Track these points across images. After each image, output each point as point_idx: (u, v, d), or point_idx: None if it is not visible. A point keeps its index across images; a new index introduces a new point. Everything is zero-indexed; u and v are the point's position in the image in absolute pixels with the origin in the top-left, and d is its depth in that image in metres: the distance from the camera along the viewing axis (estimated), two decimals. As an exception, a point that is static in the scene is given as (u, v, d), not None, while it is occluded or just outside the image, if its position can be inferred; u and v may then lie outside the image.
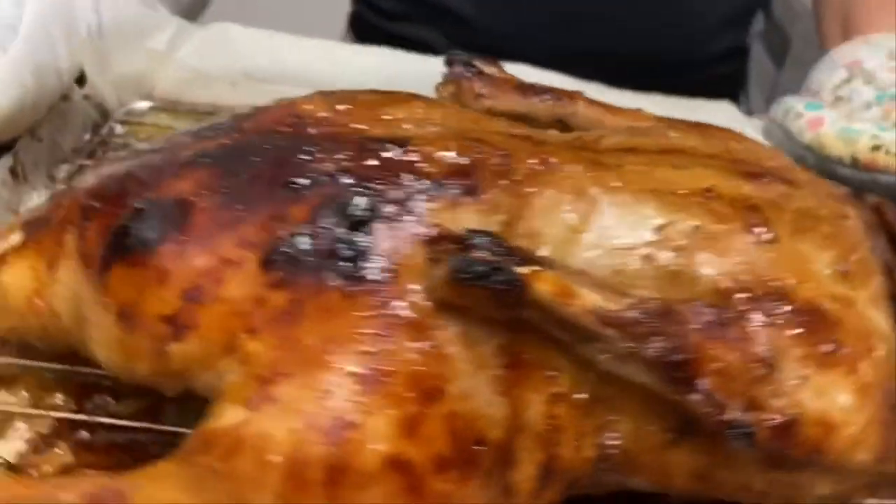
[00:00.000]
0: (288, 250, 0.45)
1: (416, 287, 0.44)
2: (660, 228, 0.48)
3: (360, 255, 0.44)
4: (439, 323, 0.44)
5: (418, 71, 0.89)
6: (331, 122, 0.51)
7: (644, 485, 0.50)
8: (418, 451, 0.42)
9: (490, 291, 0.42)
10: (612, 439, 0.48)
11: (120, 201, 0.50)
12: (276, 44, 0.88)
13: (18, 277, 0.53)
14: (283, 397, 0.43)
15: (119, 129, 0.83)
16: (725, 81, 1.22)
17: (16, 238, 0.54)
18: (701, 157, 0.54)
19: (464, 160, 0.48)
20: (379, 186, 0.47)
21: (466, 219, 0.46)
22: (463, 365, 0.44)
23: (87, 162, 0.79)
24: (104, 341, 0.49)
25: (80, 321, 0.51)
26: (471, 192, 0.47)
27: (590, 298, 0.43)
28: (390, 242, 0.45)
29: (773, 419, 0.44)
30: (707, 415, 0.44)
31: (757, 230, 0.49)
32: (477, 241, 0.43)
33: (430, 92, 0.60)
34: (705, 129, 0.61)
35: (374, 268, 0.44)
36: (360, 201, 0.46)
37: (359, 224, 0.45)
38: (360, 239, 0.45)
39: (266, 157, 0.49)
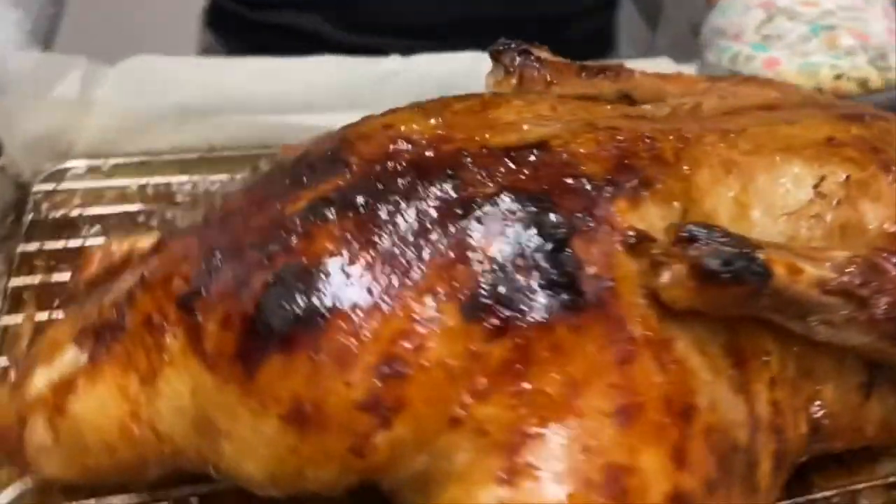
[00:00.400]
0: (491, 292, 0.38)
1: (640, 300, 0.39)
2: (816, 186, 0.47)
3: (573, 278, 0.39)
4: (673, 334, 0.40)
5: (372, 73, 0.82)
6: (445, 140, 0.45)
7: (841, 446, 0.49)
8: (692, 478, 0.38)
9: (739, 285, 0.38)
10: (820, 409, 0.46)
11: (234, 282, 0.40)
12: (206, 71, 0.77)
13: (100, 405, 0.42)
14: (541, 462, 0.36)
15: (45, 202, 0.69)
16: (597, 37, 1.24)
17: (73, 356, 0.43)
18: (792, 108, 0.53)
19: (615, 151, 0.44)
20: (555, 198, 0.41)
21: (652, 213, 0.42)
22: (704, 374, 0.40)
23: (26, 246, 0.65)
24: (256, 454, 0.40)
25: (206, 436, 0.41)
26: (645, 184, 0.43)
27: (812, 271, 0.41)
28: (596, 257, 0.40)
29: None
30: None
31: (893, 168, 0.49)
32: (699, 233, 0.39)
33: (402, 95, 0.53)
34: (752, 81, 0.60)
35: (592, 290, 0.39)
36: (551, 218, 0.40)
37: (560, 244, 0.39)
38: (567, 260, 0.39)
39: (404, 192, 0.41)
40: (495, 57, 0.56)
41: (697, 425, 0.39)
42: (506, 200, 0.41)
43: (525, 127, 0.46)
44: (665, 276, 0.39)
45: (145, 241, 0.48)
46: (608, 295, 0.39)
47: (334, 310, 0.38)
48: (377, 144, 0.45)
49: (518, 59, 0.55)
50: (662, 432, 0.38)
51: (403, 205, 0.41)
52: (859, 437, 0.49)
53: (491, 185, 0.41)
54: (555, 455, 0.37)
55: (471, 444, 0.38)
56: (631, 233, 0.41)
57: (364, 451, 0.38)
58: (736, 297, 0.39)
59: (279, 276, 0.39)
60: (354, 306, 0.38)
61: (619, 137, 0.45)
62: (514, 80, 0.55)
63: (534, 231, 0.40)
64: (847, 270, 0.42)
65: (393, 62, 0.81)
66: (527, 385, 0.38)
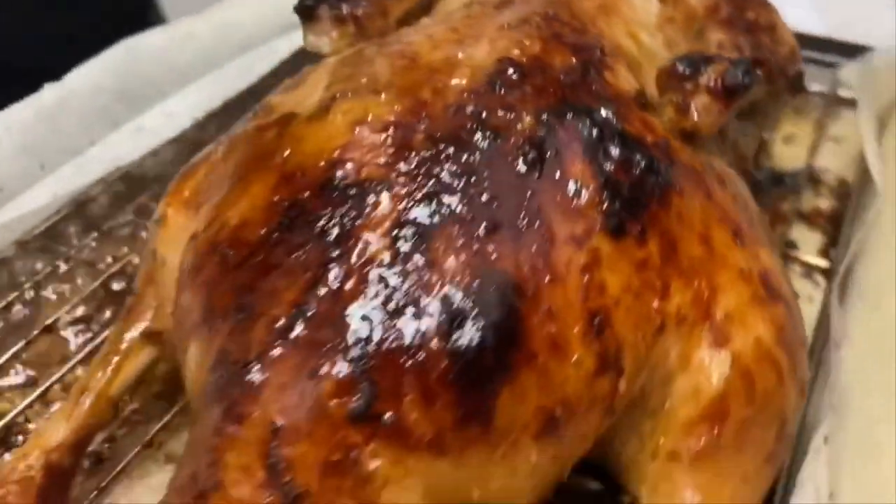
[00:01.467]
0: (614, 203, 0.39)
1: (681, 144, 0.43)
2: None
3: (649, 153, 0.41)
4: (705, 160, 0.45)
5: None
6: (423, 104, 0.41)
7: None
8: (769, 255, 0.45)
9: (753, 87, 0.44)
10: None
11: (399, 355, 0.34)
12: None
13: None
14: (730, 308, 0.40)
15: None
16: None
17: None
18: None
19: (559, 40, 0.45)
20: (575, 99, 0.41)
21: (623, 72, 0.45)
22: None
23: None
24: (521, 491, 0.37)
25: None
26: (604, 52, 0.45)
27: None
28: (640, 127, 0.42)
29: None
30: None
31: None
32: (696, 62, 0.43)
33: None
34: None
35: (664, 154, 0.41)
36: (596, 118, 0.40)
37: (619, 134, 0.41)
38: (635, 141, 0.41)
39: (462, 173, 0.38)
40: (309, 14, 0.50)
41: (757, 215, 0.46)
42: (549, 121, 0.40)
43: (465, 55, 0.44)
44: (695, 112, 0.43)
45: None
46: (671, 152, 0.42)
47: (522, 310, 0.35)
48: (377, 149, 0.39)
49: (335, 10, 0.49)
50: (755, 233, 0.44)
51: (475, 187, 0.37)
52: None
53: (524, 114, 0.40)
54: (731, 295, 0.40)
55: (676, 337, 0.39)
56: (644, 93, 0.44)
57: (614, 407, 0.38)
58: (745, 101, 0.45)
59: (453, 311, 0.34)
60: (533, 296, 0.36)
61: (543, 27, 0.45)
62: (350, 28, 0.50)
63: (595, 133, 0.40)
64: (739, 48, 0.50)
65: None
66: (683, 260, 0.40)
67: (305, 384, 0.34)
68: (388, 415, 0.34)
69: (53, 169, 0.64)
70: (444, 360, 0.34)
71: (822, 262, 0.62)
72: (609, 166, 0.39)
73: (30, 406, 0.52)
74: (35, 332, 0.57)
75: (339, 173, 0.38)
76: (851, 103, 0.77)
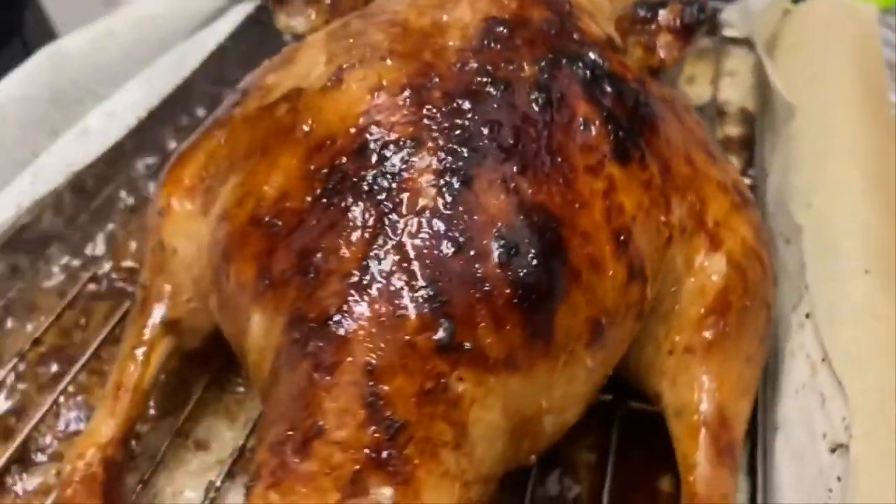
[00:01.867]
0: (619, 133, 0.43)
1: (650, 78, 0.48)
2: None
3: (636, 91, 0.46)
4: (668, 89, 0.50)
5: None
6: (430, 66, 0.44)
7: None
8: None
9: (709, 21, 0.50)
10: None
11: (467, 286, 0.38)
12: None
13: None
14: (718, 216, 0.46)
15: None
16: None
17: (375, 498, 0.35)
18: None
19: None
20: (563, 46, 0.46)
21: (590, 21, 0.50)
22: None
23: None
24: (578, 399, 0.42)
25: (524, 434, 0.40)
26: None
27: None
28: (621, 68, 0.47)
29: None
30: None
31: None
32: (656, 4, 0.49)
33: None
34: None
35: (643, 88, 0.46)
36: (586, 60, 0.45)
37: (607, 73, 0.45)
38: (622, 80, 0.45)
39: (484, 124, 0.42)
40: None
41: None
42: (547, 68, 0.44)
43: (450, 18, 0.47)
44: (661, 49, 0.48)
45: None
46: (648, 86, 0.47)
47: (564, 236, 0.39)
48: (400, 109, 0.42)
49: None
50: (718, 150, 0.50)
51: (498, 133, 0.41)
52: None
53: (524, 64, 0.44)
54: (716, 204, 0.46)
55: (680, 246, 0.45)
56: (612, 38, 0.48)
57: (643, 312, 0.43)
58: (700, 36, 0.50)
59: (506, 244, 0.38)
60: (570, 223, 0.40)
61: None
62: (325, 6, 0.52)
63: (588, 75, 0.44)
64: None
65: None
66: (676, 178, 0.45)
67: (390, 327, 0.37)
68: (467, 343, 0.37)
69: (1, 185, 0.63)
70: (507, 287, 0.38)
71: (747, 181, 0.70)
72: (607, 102, 0.44)
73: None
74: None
75: (371, 136, 0.41)
76: (738, 41, 0.86)
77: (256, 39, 0.82)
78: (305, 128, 0.43)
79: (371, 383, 0.36)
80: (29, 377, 0.55)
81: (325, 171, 0.41)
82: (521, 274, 0.38)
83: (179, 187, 0.49)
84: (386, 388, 0.36)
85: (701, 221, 0.46)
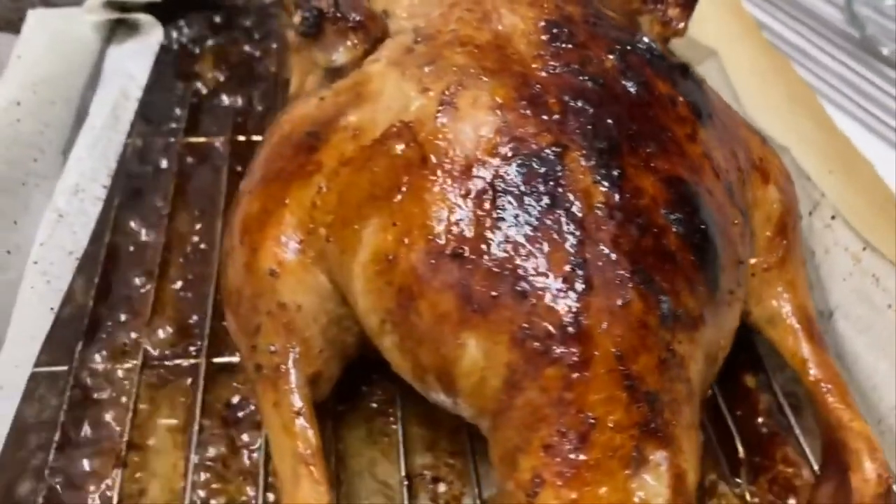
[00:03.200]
0: (689, 95, 0.50)
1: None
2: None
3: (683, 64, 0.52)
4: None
5: None
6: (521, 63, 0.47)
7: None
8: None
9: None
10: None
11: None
12: None
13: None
14: (758, 154, 0.55)
15: None
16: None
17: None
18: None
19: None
20: (625, 41, 0.51)
21: None
22: None
23: None
24: None
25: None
26: None
27: None
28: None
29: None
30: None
31: None
32: None
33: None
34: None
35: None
36: (641, 45, 0.51)
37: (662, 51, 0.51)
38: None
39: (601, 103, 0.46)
40: (317, 32, 0.51)
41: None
42: (621, 58, 0.49)
43: (505, 28, 0.50)
44: (674, 21, 0.55)
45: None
46: (672, 56, 0.54)
47: (704, 198, 0.46)
48: (528, 121, 0.45)
49: (350, 16, 0.51)
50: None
51: (618, 122, 0.46)
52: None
53: (602, 58, 0.48)
54: (753, 145, 0.55)
55: (748, 184, 0.53)
56: (629, 22, 0.54)
57: (745, 250, 0.51)
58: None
59: (676, 217, 0.44)
60: (701, 185, 0.46)
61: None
62: (361, 35, 0.52)
63: (650, 57, 0.50)
64: None
65: None
66: (728, 129, 0.53)
67: (622, 314, 0.41)
68: (679, 310, 0.42)
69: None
70: (689, 254, 0.44)
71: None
72: (675, 77, 0.50)
73: None
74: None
75: (518, 151, 0.44)
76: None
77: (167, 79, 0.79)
78: (438, 158, 0.45)
79: (622, 368, 0.40)
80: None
81: (489, 193, 0.43)
82: (696, 240, 0.44)
83: (283, 244, 0.49)
84: (635, 367, 0.41)
85: (752, 160, 0.54)
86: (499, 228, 0.42)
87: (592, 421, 0.40)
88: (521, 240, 0.42)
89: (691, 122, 0.49)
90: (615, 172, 0.44)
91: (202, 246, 0.65)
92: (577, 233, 0.42)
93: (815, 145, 0.62)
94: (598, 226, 0.42)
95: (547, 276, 0.41)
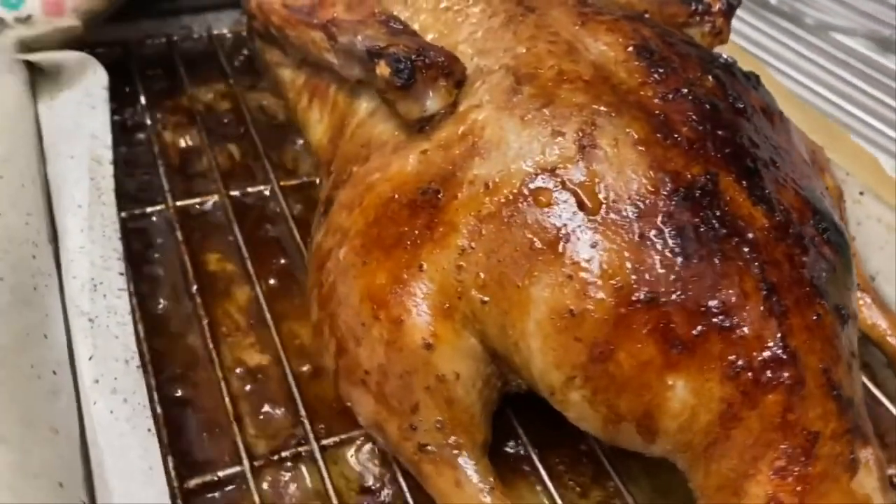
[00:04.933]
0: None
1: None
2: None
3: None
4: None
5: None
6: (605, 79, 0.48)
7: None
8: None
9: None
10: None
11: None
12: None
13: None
14: (811, 148, 0.59)
15: None
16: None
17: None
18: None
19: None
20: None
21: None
22: None
23: None
24: None
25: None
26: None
27: None
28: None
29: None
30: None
31: None
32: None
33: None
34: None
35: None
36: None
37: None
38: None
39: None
40: (410, 84, 0.48)
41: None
42: (717, 77, 0.50)
43: (595, 58, 0.50)
44: (720, 31, 0.57)
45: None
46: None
47: (827, 203, 0.48)
48: (674, 150, 0.45)
49: (437, 63, 0.49)
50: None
51: (751, 143, 0.47)
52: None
53: (704, 80, 0.49)
54: (806, 140, 0.59)
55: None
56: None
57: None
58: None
59: (825, 225, 0.46)
60: (818, 191, 0.49)
61: (596, 13, 0.53)
62: (451, 80, 0.49)
63: (737, 72, 0.52)
64: None
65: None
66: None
67: (817, 329, 0.43)
68: (847, 312, 0.45)
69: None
70: (840, 257, 0.46)
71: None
72: (754, 86, 0.52)
73: None
74: None
75: (678, 183, 0.44)
76: None
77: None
78: (598, 203, 0.44)
79: (829, 380, 0.42)
80: None
81: (663, 231, 0.43)
82: (841, 242, 0.47)
83: (431, 313, 0.46)
84: (836, 377, 0.43)
85: (809, 152, 0.58)
86: (686, 265, 0.43)
87: (814, 436, 0.42)
88: (710, 273, 0.43)
89: (788, 131, 0.52)
90: (767, 191, 0.45)
91: (250, 320, 0.60)
92: (759, 257, 0.43)
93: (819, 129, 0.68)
94: (770, 247, 0.44)
95: (745, 306, 0.42)
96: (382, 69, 0.49)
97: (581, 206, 0.44)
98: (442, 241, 0.46)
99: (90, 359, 0.51)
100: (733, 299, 0.42)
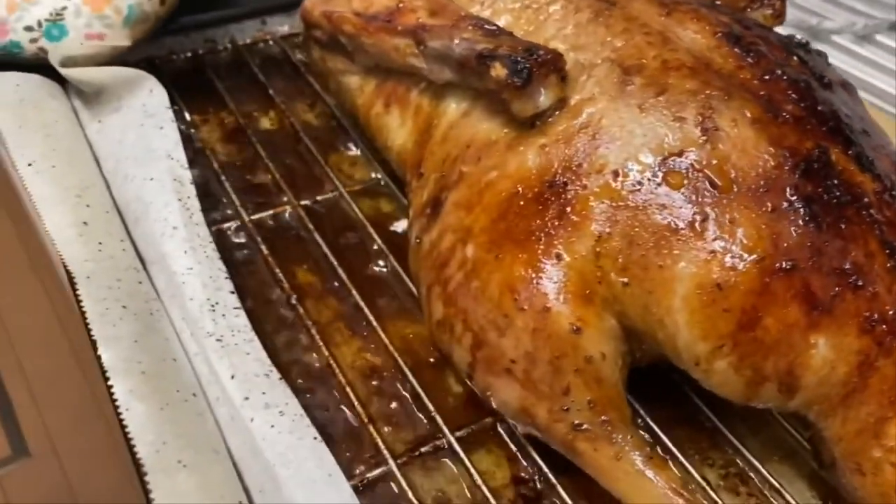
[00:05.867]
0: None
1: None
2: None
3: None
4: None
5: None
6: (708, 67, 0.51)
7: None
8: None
9: None
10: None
11: None
12: None
13: None
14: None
15: None
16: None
17: None
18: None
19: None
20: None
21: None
22: None
23: None
24: None
25: None
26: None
27: None
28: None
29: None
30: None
31: None
32: None
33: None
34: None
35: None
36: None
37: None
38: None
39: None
40: (527, 82, 0.50)
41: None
42: (797, 55, 0.54)
43: (687, 45, 0.53)
44: (781, 10, 0.61)
45: None
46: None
47: None
48: (789, 128, 0.48)
49: (544, 60, 0.51)
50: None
51: (847, 119, 0.51)
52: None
53: (789, 62, 0.53)
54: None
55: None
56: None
57: None
58: None
59: None
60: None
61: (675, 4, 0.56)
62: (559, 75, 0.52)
63: (815, 51, 0.56)
64: None
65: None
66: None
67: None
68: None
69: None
70: None
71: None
72: (824, 61, 0.56)
73: None
74: None
75: (798, 157, 0.47)
76: None
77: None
78: (730, 181, 0.47)
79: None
80: None
81: (792, 203, 0.46)
82: None
83: (576, 299, 0.48)
84: None
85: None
86: (817, 233, 0.46)
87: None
88: (839, 238, 0.46)
89: (859, 100, 0.56)
90: (870, 158, 0.49)
91: (352, 325, 0.61)
92: (877, 219, 0.47)
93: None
94: (884, 209, 0.48)
95: (873, 265, 0.46)
96: (498, 70, 0.51)
97: (713, 184, 0.47)
98: (577, 230, 0.49)
99: (232, 377, 0.51)
100: (862, 260, 0.46)
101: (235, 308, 0.56)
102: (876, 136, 0.52)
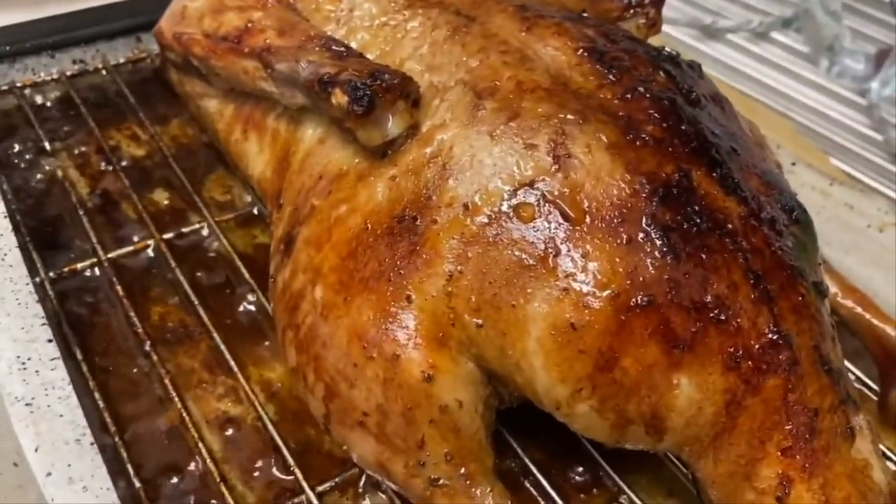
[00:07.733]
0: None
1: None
2: None
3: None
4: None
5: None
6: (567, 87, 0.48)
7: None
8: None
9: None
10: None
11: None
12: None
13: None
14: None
15: None
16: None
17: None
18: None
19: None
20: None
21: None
22: None
23: None
24: None
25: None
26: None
27: None
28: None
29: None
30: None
31: None
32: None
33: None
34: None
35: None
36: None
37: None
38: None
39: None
40: (370, 110, 0.46)
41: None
42: (665, 69, 0.51)
43: (548, 65, 0.49)
44: (655, 21, 0.58)
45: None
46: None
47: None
48: (647, 150, 0.45)
49: (396, 87, 0.47)
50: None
51: (714, 134, 0.48)
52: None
53: (656, 76, 0.50)
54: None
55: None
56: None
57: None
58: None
59: (787, 210, 0.47)
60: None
61: (541, 16, 0.53)
62: (409, 102, 0.48)
63: (683, 63, 0.53)
64: None
65: None
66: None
67: (803, 308, 0.44)
68: (824, 285, 0.47)
69: None
70: (805, 235, 0.48)
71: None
72: (698, 74, 0.53)
73: None
74: None
75: (654, 184, 0.44)
76: None
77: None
78: (582, 212, 0.44)
79: (820, 356, 0.44)
80: None
81: (649, 233, 0.43)
82: (806, 219, 0.48)
83: (427, 345, 0.45)
84: (825, 351, 0.44)
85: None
86: (676, 264, 0.43)
87: (814, 412, 0.43)
88: (699, 269, 0.43)
89: (732, 113, 0.53)
90: (735, 180, 0.46)
91: (213, 370, 0.57)
92: (741, 247, 0.44)
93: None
94: (749, 235, 0.45)
95: (736, 297, 0.43)
96: (339, 98, 0.47)
97: (565, 216, 0.44)
98: (427, 269, 0.45)
99: (36, 450, 0.47)
100: (725, 291, 0.43)
101: (52, 359, 0.51)
102: (747, 154, 0.49)
